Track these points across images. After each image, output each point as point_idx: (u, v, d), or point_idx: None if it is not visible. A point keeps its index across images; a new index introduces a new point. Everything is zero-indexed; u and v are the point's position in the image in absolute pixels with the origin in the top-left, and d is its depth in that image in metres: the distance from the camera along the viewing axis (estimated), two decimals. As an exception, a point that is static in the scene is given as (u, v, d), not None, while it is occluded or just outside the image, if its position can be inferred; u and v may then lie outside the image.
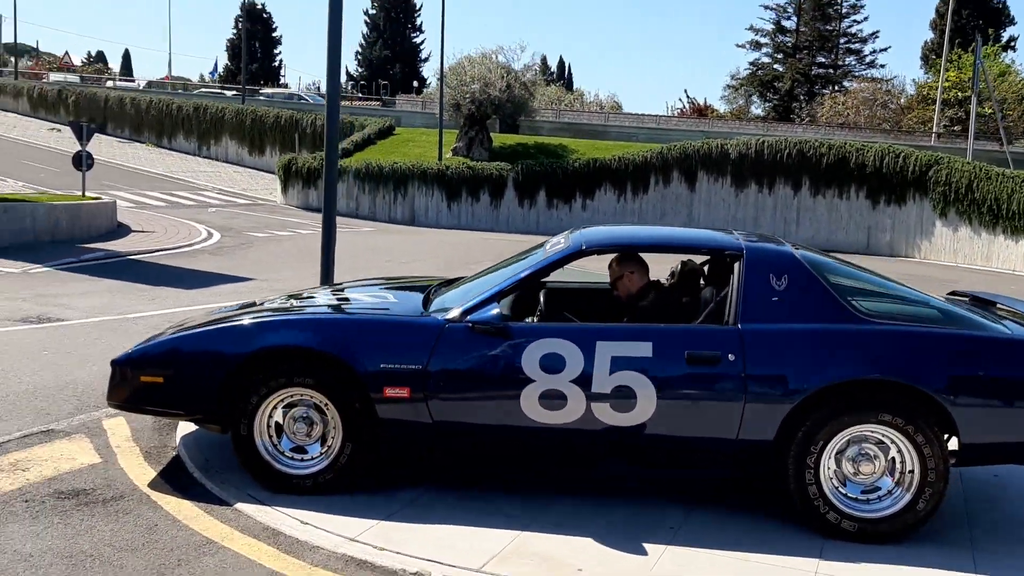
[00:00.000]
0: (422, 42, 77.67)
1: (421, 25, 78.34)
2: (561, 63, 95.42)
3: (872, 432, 4.26)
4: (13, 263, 13.85)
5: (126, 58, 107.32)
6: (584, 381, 4.33)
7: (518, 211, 28.37)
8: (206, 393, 4.57)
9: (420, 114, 42.67)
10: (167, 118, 40.29)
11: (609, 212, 28.66)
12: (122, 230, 18.47)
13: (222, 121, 38.39)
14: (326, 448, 4.59)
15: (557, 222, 28.38)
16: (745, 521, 4.47)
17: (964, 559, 4.12)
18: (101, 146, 36.97)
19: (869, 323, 4.33)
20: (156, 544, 4.00)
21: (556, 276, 5.05)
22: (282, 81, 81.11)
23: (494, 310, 4.43)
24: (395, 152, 30.84)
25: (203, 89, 63.88)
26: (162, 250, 16.22)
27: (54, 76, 69.54)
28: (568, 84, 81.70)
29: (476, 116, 29.71)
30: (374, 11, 75.95)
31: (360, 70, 76.86)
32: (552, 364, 4.35)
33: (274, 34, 76.10)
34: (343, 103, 42.89)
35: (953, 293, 5.64)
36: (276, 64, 79.56)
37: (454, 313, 4.52)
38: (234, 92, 55.23)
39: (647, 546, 4.11)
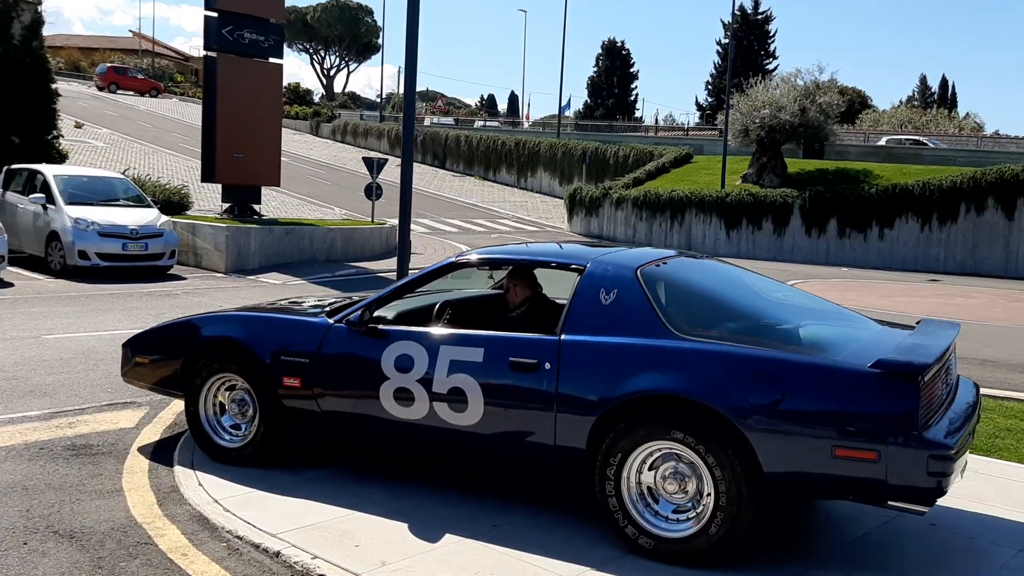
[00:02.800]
0: (775, 68, 75.65)
1: (775, 51, 76.38)
2: (944, 83, 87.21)
3: (672, 449, 4.18)
4: (281, 276, 16.42)
5: (511, 100, 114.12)
6: (427, 382, 4.71)
7: (804, 240, 27.21)
8: (174, 374, 5.61)
9: (720, 141, 42.28)
10: (493, 153, 43.88)
11: (911, 243, 26.52)
12: (394, 251, 20.83)
13: (537, 155, 41.02)
14: (252, 427, 5.41)
15: (850, 253, 26.92)
16: (566, 526, 4.54)
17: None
18: (435, 180, 41.31)
19: (679, 340, 4.24)
20: (85, 482, 5.06)
21: (467, 288, 5.44)
22: (637, 115, 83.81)
23: (357, 313, 4.97)
24: (686, 180, 31.03)
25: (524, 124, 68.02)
26: (413, 268, 18.14)
27: (431, 120, 77.54)
28: (951, 106, 74.73)
29: (766, 142, 29.00)
30: (727, 40, 75.49)
31: (710, 99, 76.79)
32: (404, 364, 4.79)
33: (631, 69, 78.46)
34: (679, 134, 43.70)
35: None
36: (632, 98, 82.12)
37: (335, 315, 5.13)
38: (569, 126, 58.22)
39: (444, 535, 4.39)
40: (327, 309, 5.38)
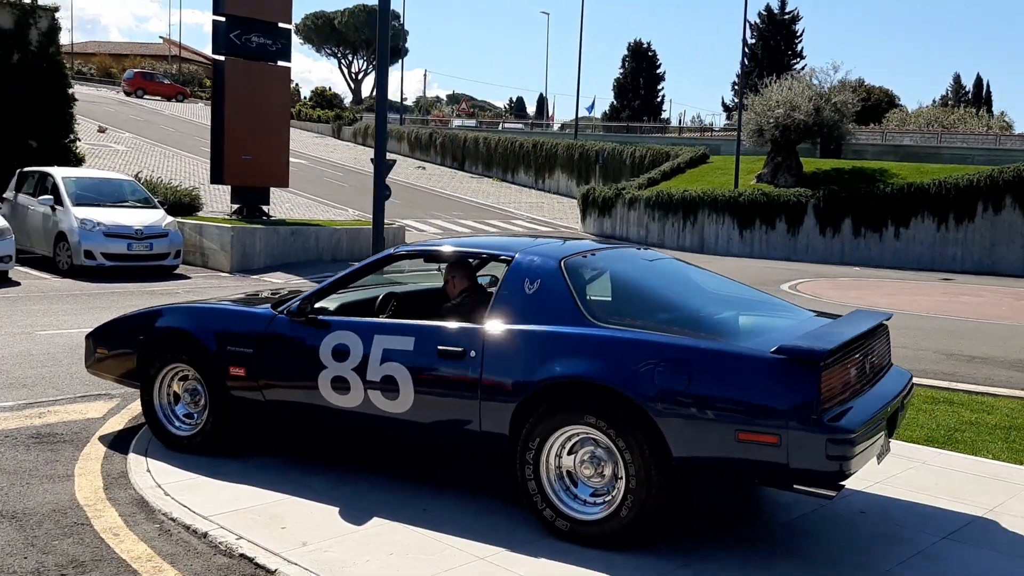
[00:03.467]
0: (802, 68, 74.79)
1: (802, 51, 75.48)
2: (979, 82, 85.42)
3: (588, 434, 4.26)
4: (285, 275, 16.65)
5: (540, 103, 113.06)
6: (362, 370, 4.83)
7: (819, 240, 27.07)
8: (131, 365, 5.77)
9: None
10: (511, 155, 44.03)
11: (927, 242, 26.30)
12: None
13: (555, 156, 41.10)
14: (203, 416, 5.55)
15: (865, 252, 26.75)
16: (496, 510, 4.63)
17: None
18: (452, 181, 41.54)
19: (594, 327, 4.32)
20: (40, 467, 5.23)
21: (410, 280, 5.55)
22: (663, 116, 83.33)
23: (297, 303, 5.11)
24: (702, 180, 30.98)
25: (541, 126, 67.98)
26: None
27: (456, 122, 77.50)
28: (986, 105, 73.33)
29: (780, 142, 28.87)
30: (753, 40, 74.79)
31: (735, 100, 75.96)
32: (340, 353, 4.91)
33: (658, 71, 78.05)
34: (703, 135, 43.62)
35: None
36: (659, 100, 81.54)
37: (280, 306, 5.26)
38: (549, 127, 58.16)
39: (372, 519, 4.50)
40: (273, 300, 5.51)
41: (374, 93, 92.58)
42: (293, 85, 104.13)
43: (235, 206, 20.30)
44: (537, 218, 33.05)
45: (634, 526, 4.14)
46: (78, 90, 60.75)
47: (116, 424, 6.30)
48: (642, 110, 76.04)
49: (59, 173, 16.51)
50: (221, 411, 5.39)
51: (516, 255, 4.76)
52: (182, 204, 20.64)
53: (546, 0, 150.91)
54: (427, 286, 6.12)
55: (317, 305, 5.19)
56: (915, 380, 8.46)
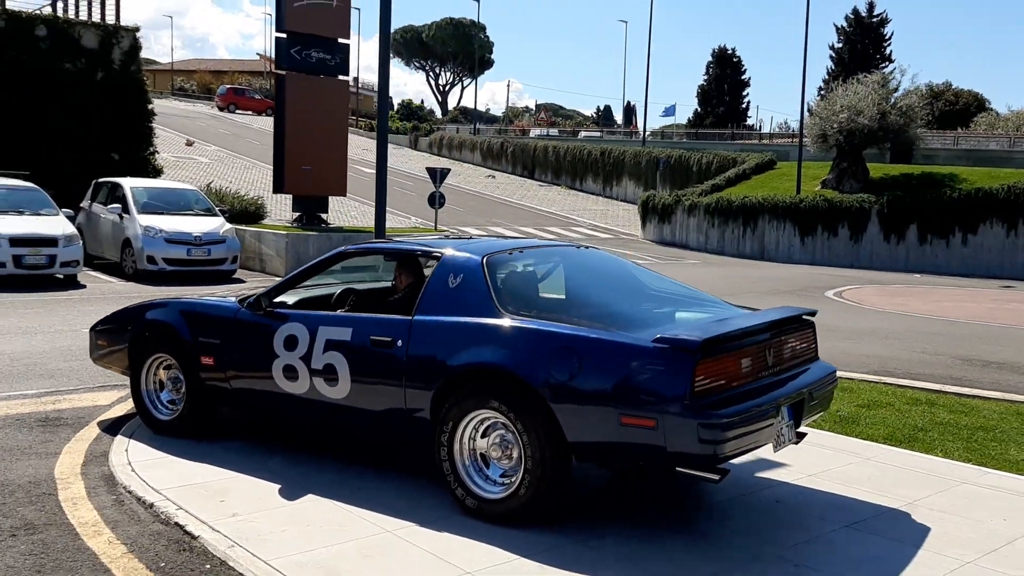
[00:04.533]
0: (891, 72, 72.63)
1: (891, 54, 73.38)
2: None
3: (495, 418, 4.57)
4: (333, 282, 17.27)
5: (626, 111, 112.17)
6: (307, 359, 5.24)
7: (883, 247, 26.56)
8: (123, 355, 6.32)
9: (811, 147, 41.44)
10: (579, 163, 44.31)
11: (995, 249, 25.58)
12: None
13: (622, 164, 41.19)
14: (183, 403, 6.05)
15: (931, 259, 26.18)
16: (427, 491, 4.97)
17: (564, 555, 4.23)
18: (520, 189, 42.00)
19: (503, 318, 4.63)
20: (34, 446, 5.80)
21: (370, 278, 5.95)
22: (748, 122, 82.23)
23: (255, 297, 5.56)
24: (766, 186, 30.71)
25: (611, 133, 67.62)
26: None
27: (535, 132, 77.77)
28: None
29: (845, 147, 28.41)
30: (839, 44, 73.13)
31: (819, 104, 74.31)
32: (290, 343, 5.33)
33: (743, 77, 77.08)
34: (785, 141, 43.19)
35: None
36: (744, 106, 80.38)
37: (246, 300, 5.72)
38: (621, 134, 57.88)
39: (307, 495, 4.90)
40: (240, 295, 5.98)
41: (459, 103, 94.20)
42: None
43: (296, 214, 21.13)
44: (599, 225, 33.24)
45: (531, 504, 4.43)
46: (175, 105, 63.15)
47: (118, 411, 6.86)
48: (726, 116, 75.09)
49: (128, 183, 17.54)
50: (196, 397, 5.88)
51: (446, 252, 5.11)
52: (247, 212, 21.62)
53: (631, 9, 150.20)
54: (385, 283, 6.52)
55: (279, 299, 5.63)
56: (915, 383, 8.55)
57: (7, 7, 22.63)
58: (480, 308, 4.75)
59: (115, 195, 17.43)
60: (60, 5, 25.49)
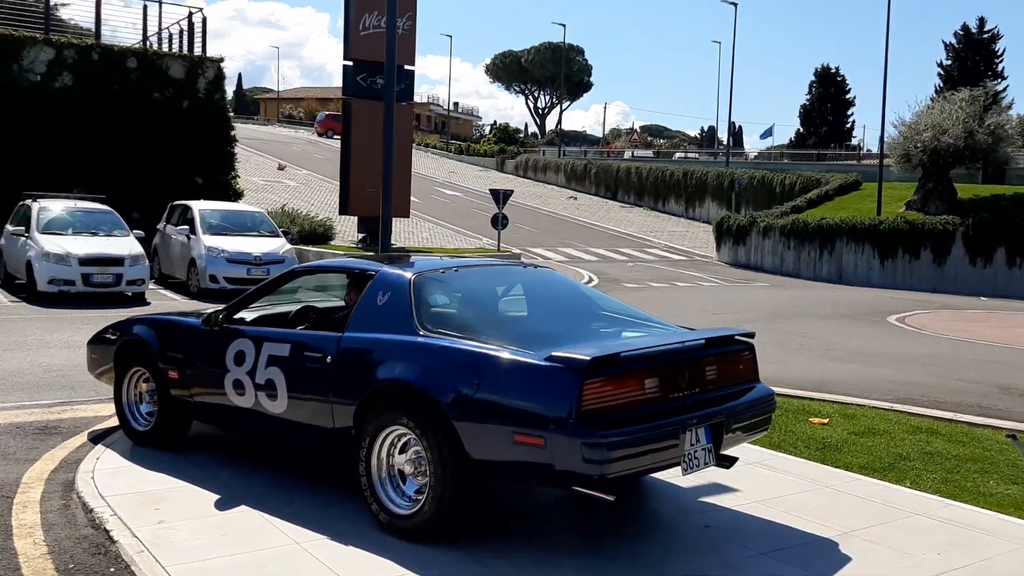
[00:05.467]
0: (1003, 90, 69.12)
1: (1003, 71, 70.03)
2: None
3: (409, 434, 4.62)
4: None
5: (731, 131, 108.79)
6: (252, 373, 5.41)
7: (968, 270, 25.43)
8: (112, 369, 6.64)
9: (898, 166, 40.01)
10: (662, 184, 43.96)
11: (1093, 271, 24.13)
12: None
13: (704, 184, 40.66)
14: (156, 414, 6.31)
15: (1020, 284, 24.90)
16: (353, 505, 5.04)
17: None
18: (600, 211, 41.94)
19: (418, 336, 4.69)
20: (19, 452, 6.15)
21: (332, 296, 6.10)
22: (853, 142, 79.81)
23: (209, 313, 5.77)
24: (848, 208, 29.86)
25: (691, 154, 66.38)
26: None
27: (629, 153, 77.08)
28: None
29: (929, 167, 27.37)
30: (948, 62, 70.32)
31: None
32: (239, 358, 5.52)
33: (847, 96, 75.06)
34: (867, 162, 42.05)
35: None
36: (848, 126, 78.00)
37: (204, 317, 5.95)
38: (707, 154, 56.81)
39: (239, 506, 5.04)
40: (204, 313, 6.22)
41: (558, 126, 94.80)
42: (480, 123, 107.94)
43: (360, 235, 21.67)
44: (674, 246, 32.86)
45: (434, 521, 4.47)
46: (278, 132, 65.19)
47: (114, 422, 7.18)
48: (829, 136, 73.08)
49: (196, 206, 18.32)
50: (166, 410, 6.13)
51: (380, 271, 5.22)
52: (316, 234, 22.30)
53: (734, 28, 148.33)
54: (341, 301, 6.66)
55: (238, 315, 5.84)
56: (928, 411, 8.20)
57: (101, 41, 23.98)
58: (401, 326, 4.83)
59: (185, 217, 18.23)
60: (154, 38, 26.94)
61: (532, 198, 45.09)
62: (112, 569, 4.24)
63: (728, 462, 5.02)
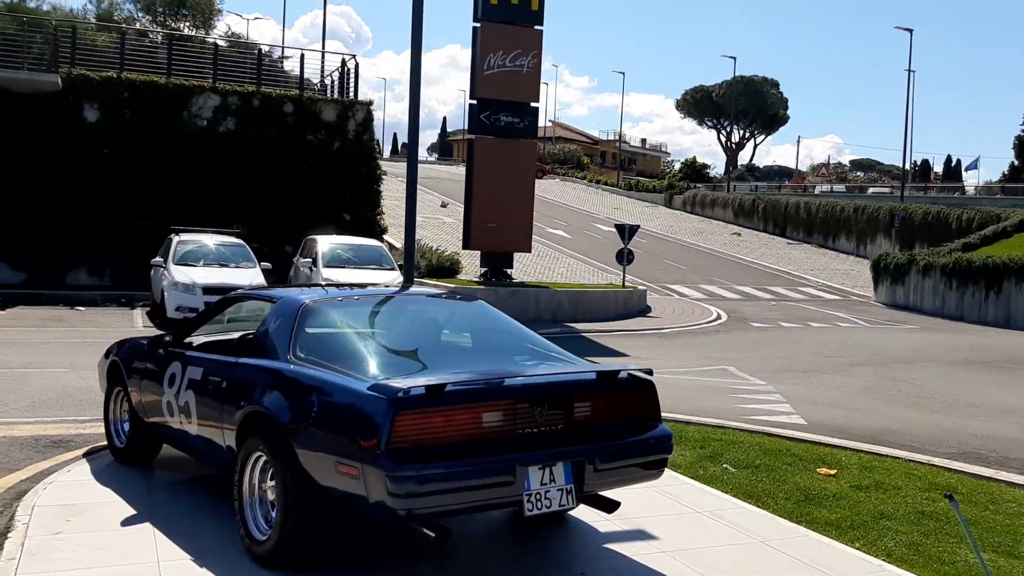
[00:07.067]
0: None
1: None
2: None
3: (270, 460, 4.61)
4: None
5: (948, 164, 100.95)
6: (177, 394, 5.61)
7: None
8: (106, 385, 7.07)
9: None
10: (831, 220, 41.84)
11: None
12: (638, 312, 21.28)
13: (876, 220, 38.35)
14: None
15: None
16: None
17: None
18: (760, 247, 40.45)
19: (282, 363, 4.70)
20: (13, 463, 6.64)
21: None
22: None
23: (152, 338, 6.03)
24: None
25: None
26: (636, 330, 18.60)
27: (820, 188, 73.69)
28: None
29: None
30: None
31: None
32: (171, 380, 5.73)
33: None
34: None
35: None
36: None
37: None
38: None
39: (144, 524, 5.20)
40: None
41: (751, 160, 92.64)
42: (668, 159, 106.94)
43: (483, 269, 21.97)
44: (832, 285, 31.07)
45: (279, 547, 4.43)
46: (449, 170, 67.37)
47: (125, 438, 7.62)
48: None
49: (321, 240, 19.25)
50: (135, 427, 6.45)
51: (280, 298, 5.28)
52: (443, 267, 22.82)
53: (940, 57, 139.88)
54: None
55: (187, 340, 6.07)
56: (990, 472, 7.33)
57: (262, 89, 25.82)
58: (276, 352, 4.87)
59: (311, 250, 19.19)
60: (319, 85, 28.71)
61: (692, 234, 44.12)
62: (-26, 574, 4.49)
63: (608, 505, 4.70)
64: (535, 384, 4.37)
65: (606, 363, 5.14)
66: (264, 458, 4.67)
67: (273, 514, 4.68)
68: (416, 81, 8.91)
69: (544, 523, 5.27)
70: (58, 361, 11.59)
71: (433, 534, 4.00)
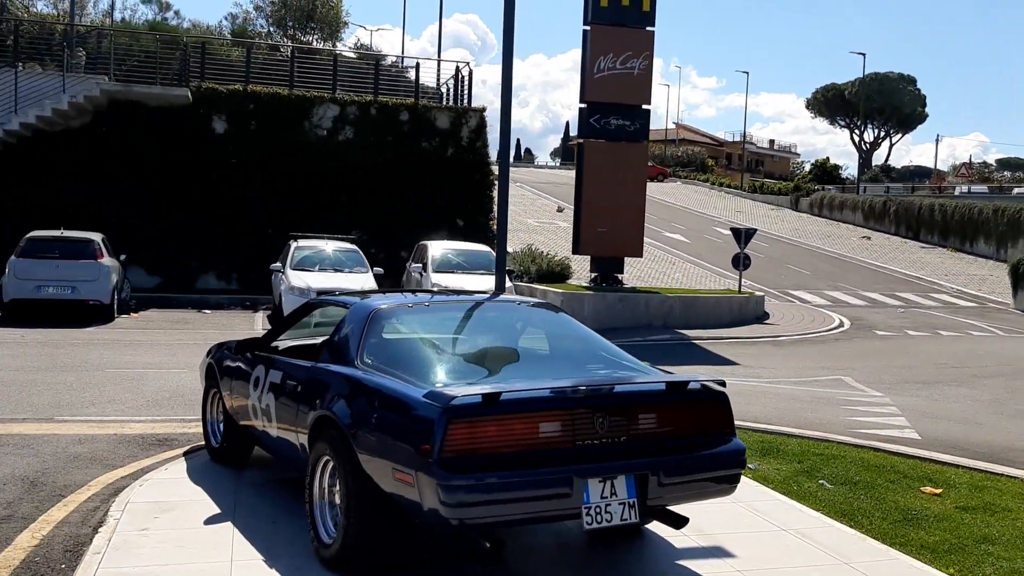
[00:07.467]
0: None
1: None
2: None
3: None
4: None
5: None
6: (260, 397, 5.75)
7: None
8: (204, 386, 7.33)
9: None
10: (968, 223, 39.64)
11: None
12: (755, 319, 20.67)
13: (1018, 222, 36.07)
14: (225, 432, 6.86)
15: None
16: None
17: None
18: (892, 251, 38.71)
19: (352, 368, 4.74)
20: (114, 460, 6.96)
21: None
22: None
23: (238, 342, 6.20)
24: None
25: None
26: (750, 337, 18.08)
27: (961, 189, 69.91)
28: None
29: None
30: None
31: None
32: (256, 384, 5.88)
33: None
34: None
35: None
36: None
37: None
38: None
39: (225, 523, 5.35)
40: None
41: (887, 160, 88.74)
42: (798, 161, 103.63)
43: (593, 274, 21.80)
44: (967, 291, 29.34)
45: (342, 552, 4.48)
46: (563, 174, 67.12)
47: (224, 438, 7.89)
48: None
49: (431, 245, 19.51)
50: (228, 428, 6.66)
51: (354, 304, 5.34)
52: (553, 273, 22.77)
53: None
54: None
55: (273, 344, 6.24)
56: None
57: (379, 98, 26.43)
58: (346, 357, 4.93)
59: (422, 256, 19.50)
60: (441, 93, 29.22)
61: (819, 238, 42.53)
62: (63, 566, 4.71)
63: (675, 521, 4.53)
64: (596, 394, 4.26)
65: (680, 373, 4.97)
66: (332, 462, 4.73)
67: (340, 518, 4.74)
68: (507, 89, 8.90)
69: (617, 536, 5.15)
70: (176, 362, 12.15)
71: (488, 544, 3.95)
